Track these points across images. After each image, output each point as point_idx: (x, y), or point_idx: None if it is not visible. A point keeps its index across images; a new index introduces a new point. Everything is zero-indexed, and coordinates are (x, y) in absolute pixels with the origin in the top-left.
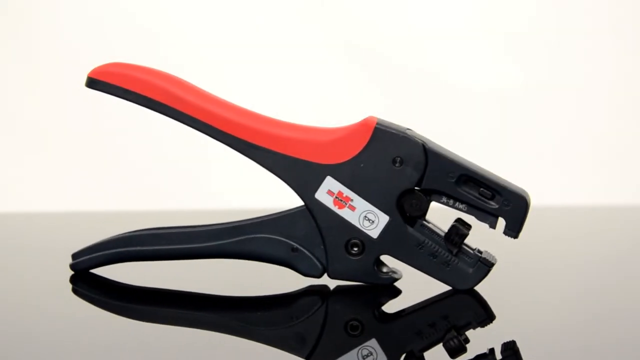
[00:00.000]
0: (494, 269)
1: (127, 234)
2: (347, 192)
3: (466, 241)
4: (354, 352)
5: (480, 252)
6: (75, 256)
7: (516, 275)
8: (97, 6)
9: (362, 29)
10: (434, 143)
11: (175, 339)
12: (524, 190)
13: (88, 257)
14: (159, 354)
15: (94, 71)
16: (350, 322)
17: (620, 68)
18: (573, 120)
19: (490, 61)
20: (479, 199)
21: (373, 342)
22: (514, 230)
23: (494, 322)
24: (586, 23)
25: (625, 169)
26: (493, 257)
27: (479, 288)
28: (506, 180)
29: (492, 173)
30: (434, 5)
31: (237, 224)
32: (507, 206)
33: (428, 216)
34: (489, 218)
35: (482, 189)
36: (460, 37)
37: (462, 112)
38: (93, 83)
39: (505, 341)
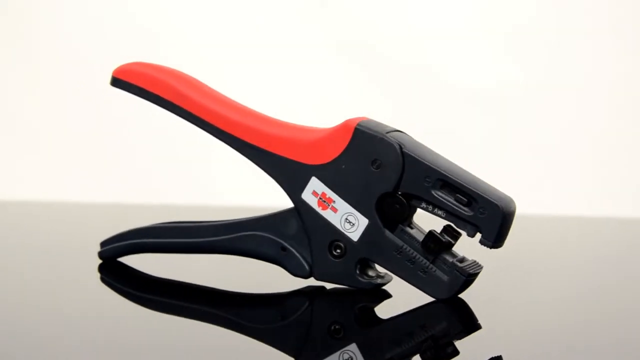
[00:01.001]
0: (490, 278)
1: (145, 226)
2: (330, 193)
3: (454, 248)
4: (336, 355)
5: (462, 261)
6: (102, 244)
7: (510, 284)
8: (97, 6)
9: (362, 29)
10: (418, 146)
11: (174, 328)
12: (504, 198)
13: (111, 246)
14: (152, 339)
15: (117, 70)
16: (334, 325)
17: (620, 68)
18: (573, 120)
19: (490, 61)
20: (455, 205)
21: (353, 347)
22: (489, 239)
23: (480, 332)
24: (586, 23)
25: (624, 170)
26: (477, 267)
27: (468, 297)
28: (488, 187)
29: (474, 178)
30: (434, 5)
31: (235, 221)
32: (482, 214)
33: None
34: (467, 226)
35: (457, 194)
36: (460, 37)
37: (462, 112)
38: (115, 82)
39: (491, 355)
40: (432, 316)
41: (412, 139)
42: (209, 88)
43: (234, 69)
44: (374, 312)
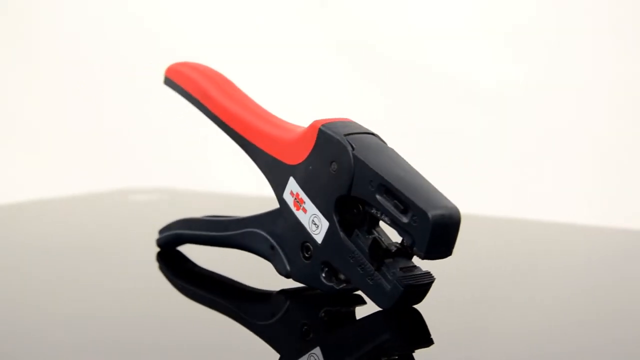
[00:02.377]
0: (471, 281)
1: (188, 218)
2: (301, 194)
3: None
4: (304, 357)
5: (410, 271)
6: (159, 232)
7: (491, 288)
8: (97, 6)
9: (362, 29)
10: (375, 149)
11: (185, 313)
12: (441, 207)
13: (163, 235)
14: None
15: (166, 69)
16: (305, 327)
17: (620, 68)
18: (573, 120)
19: (490, 61)
20: (394, 212)
21: (317, 350)
22: (419, 250)
23: (430, 348)
24: (586, 23)
25: (624, 171)
26: (424, 278)
27: (430, 307)
28: (432, 195)
29: (420, 185)
30: (434, 5)
31: (241, 217)
32: (415, 222)
33: None
34: (405, 234)
35: (396, 201)
36: (460, 36)
37: (462, 111)
38: (165, 80)
39: None
40: (391, 327)
41: (376, 142)
42: (234, 88)
43: (234, 69)
44: (337, 317)
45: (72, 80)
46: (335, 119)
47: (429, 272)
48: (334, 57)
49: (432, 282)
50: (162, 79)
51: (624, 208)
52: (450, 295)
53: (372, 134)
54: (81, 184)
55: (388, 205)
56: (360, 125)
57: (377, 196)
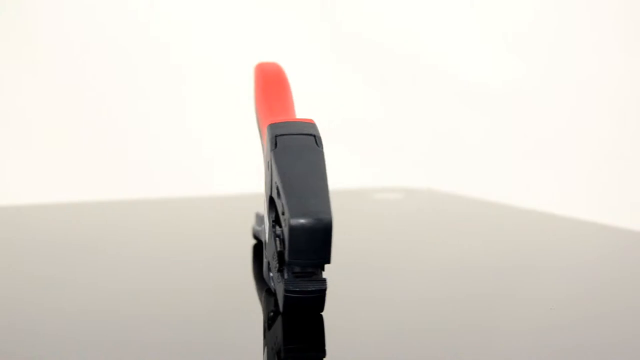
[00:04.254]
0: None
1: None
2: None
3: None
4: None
5: (304, 276)
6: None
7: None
8: (97, 7)
9: (362, 29)
10: (295, 150)
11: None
12: (305, 213)
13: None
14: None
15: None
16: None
17: (621, 68)
18: (573, 120)
19: (491, 61)
20: (280, 214)
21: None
22: (287, 254)
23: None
24: (586, 23)
25: (624, 170)
26: (314, 284)
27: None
28: (312, 200)
29: (311, 189)
30: (434, 5)
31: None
32: (287, 226)
33: None
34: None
35: (282, 203)
36: (461, 37)
37: (463, 111)
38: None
39: None
40: (299, 334)
41: (304, 144)
42: (282, 92)
43: (234, 69)
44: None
45: (72, 80)
46: (293, 119)
47: (324, 280)
48: (334, 57)
49: (321, 289)
50: (161, 79)
51: (624, 208)
52: (448, 291)
53: (313, 135)
54: (81, 184)
55: (279, 207)
56: (310, 127)
57: (277, 198)
